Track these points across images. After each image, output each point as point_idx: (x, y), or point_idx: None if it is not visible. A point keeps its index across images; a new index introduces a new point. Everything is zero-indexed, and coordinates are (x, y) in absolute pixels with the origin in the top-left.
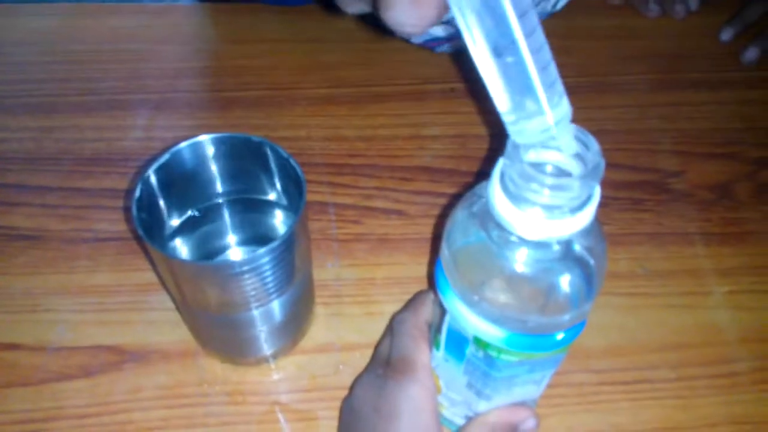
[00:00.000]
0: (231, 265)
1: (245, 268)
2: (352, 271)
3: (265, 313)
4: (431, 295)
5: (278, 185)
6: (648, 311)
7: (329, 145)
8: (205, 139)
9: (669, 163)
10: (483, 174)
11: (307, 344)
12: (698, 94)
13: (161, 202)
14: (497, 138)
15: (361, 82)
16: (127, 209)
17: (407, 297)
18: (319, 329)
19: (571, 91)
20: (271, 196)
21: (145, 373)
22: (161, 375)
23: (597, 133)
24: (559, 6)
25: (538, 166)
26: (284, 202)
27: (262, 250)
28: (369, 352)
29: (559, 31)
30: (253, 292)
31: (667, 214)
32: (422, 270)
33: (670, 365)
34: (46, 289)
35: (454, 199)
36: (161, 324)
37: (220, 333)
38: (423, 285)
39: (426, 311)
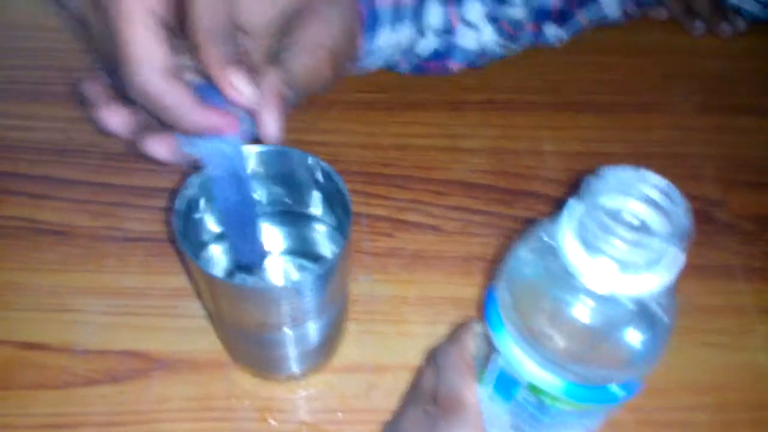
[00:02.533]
0: (273, 289)
1: (287, 293)
2: (384, 286)
3: (300, 334)
4: (474, 327)
5: (321, 201)
6: (687, 348)
7: (364, 153)
8: (251, 152)
9: (711, 191)
10: (521, 192)
11: (337, 362)
12: (743, 119)
13: (201, 211)
14: (536, 155)
15: (397, 88)
16: (157, 209)
17: (440, 319)
18: (350, 347)
19: (610, 110)
20: (313, 210)
21: (173, 383)
22: (190, 385)
23: (638, 156)
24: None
25: (616, 215)
26: (326, 216)
27: (306, 276)
28: (401, 375)
29: (597, 45)
30: (291, 314)
31: (710, 246)
32: (456, 290)
33: (708, 407)
34: (73, 288)
35: (491, 218)
36: (191, 332)
37: (252, 349)
38: (457, 306)
39: (471, 343)
